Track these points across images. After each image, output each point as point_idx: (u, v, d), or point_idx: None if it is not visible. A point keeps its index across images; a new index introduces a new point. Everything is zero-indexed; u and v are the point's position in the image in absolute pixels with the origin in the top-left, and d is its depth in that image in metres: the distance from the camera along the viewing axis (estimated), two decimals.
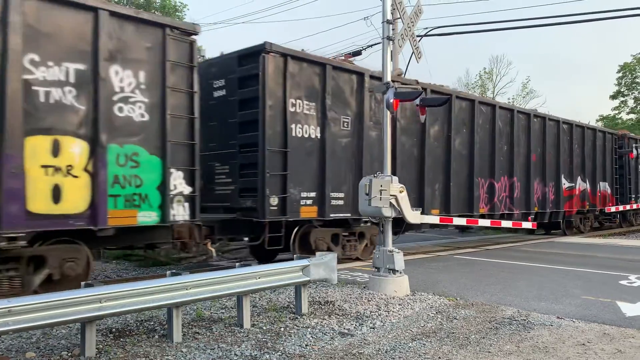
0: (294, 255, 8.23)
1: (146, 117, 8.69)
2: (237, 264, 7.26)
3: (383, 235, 9.18)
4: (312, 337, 6.42)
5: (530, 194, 17.78)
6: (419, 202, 13.29)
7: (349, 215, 11.94)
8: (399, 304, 8.12)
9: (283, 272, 7.24)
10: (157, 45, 8.85)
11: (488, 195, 15.90)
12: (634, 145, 23.43)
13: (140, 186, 8.61)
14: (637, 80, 45.13)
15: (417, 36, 10.47)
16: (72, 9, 7.95)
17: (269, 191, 10.52)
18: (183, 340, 6.15)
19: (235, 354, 5.74)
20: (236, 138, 11.07)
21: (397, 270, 8.94)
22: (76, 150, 7.94)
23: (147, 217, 8.70)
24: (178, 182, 9.08)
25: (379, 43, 11.88)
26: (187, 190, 9.16)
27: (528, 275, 11.19)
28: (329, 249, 11.39)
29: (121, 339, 6.19)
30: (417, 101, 9.26)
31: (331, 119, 11.62)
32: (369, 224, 12.42)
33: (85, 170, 8.04)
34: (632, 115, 45.80)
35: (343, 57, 13.59)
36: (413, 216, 9.56)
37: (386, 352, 5.94)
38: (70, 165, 7.88)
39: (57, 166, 7.73)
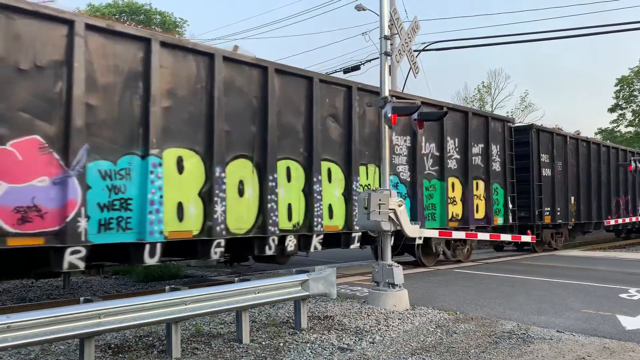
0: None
1: (499, 168, 16.46)
2: (236, 278, 7.26)
3: (382, 250, 9.17)
4: (311, 352, 6.40)
5: (636, 206, 26.16)
6: (588, 212, 21.62)
7: (561, 221, 19.67)
8: (398, 319, 8.10)
9: (282, 286, 7.23)
10: (502, 130, 16.76)
11: (615, 208, 24.00)
12: (631, 158, 23.99)
13: (498, 204, 16.31)
14: (634, 93, 45.36)
15: (415, 51, 10.62)
16: (499, 122, 16.92)
17: (535, 207, 18.14)
18: (182, 356, 6.13)
19: None
20: (512, 177, 17.59)
21: (397, 285, 8.93)
22: (481, 186, 15.69)
23: (499, 221, 16.35)
24: (509, 202, 16.69)
25: (377, 58, 12.00)
26: (511, 206, 16.80)
27: (528, 288, 11.17)
28: (551, 242, 19.93)
29: (120, 355, 6.18)
30: (415, 115, 9.33)
31: (555, 164, 19.34)
32: (570, 226, 20.76)
33: (484, 197, 15.70)
34: (630, 128, 45.98)
35: (557, 126, 20.66)
36: (412, 230, 9.57)
37: None
38: (479, 194, 15.54)
39: (479, 195, 15.55)
